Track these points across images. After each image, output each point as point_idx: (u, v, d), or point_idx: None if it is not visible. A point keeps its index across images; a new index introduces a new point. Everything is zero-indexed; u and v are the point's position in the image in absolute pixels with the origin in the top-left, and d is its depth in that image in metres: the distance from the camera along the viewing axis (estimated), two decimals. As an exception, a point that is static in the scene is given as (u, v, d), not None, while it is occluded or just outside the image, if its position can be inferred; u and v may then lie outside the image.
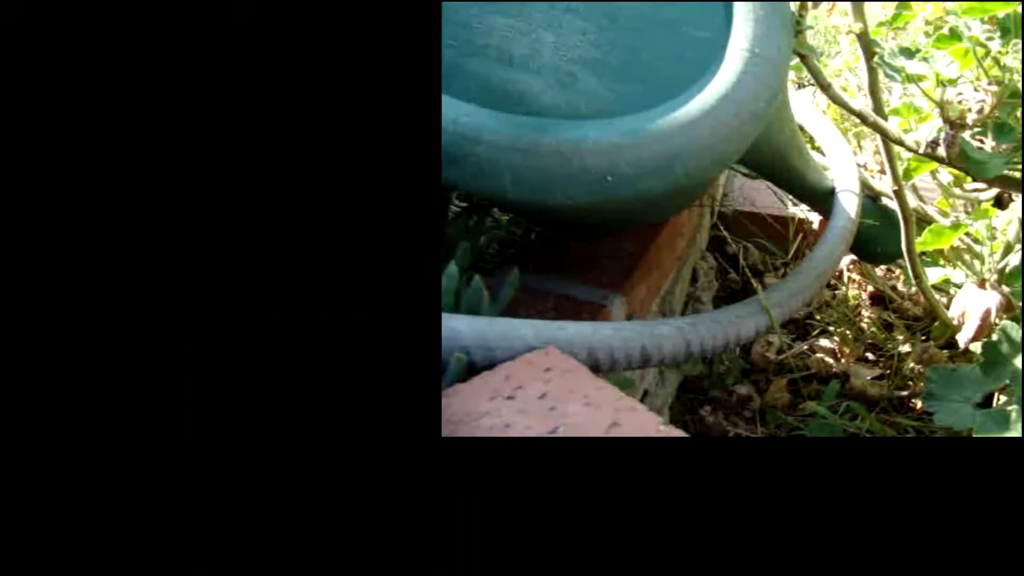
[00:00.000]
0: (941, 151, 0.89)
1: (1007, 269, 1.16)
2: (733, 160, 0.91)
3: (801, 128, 1.46)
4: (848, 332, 1.45)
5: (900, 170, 1.11)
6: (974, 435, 0.88)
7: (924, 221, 1.26)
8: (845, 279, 1.58)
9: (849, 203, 1.19)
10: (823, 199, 1.24)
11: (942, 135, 0.85)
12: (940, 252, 1.33)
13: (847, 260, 1.58)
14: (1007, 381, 0.96)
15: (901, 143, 0.95)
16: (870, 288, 1.57)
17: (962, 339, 1.07)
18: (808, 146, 1.23)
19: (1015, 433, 0.86)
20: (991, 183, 0.91)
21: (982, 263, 1.24)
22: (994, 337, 0.99)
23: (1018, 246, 1.14)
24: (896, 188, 1.12)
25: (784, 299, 0.96)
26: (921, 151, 0.89)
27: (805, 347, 1.43)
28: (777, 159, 1.09)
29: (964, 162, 0.89)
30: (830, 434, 1.15)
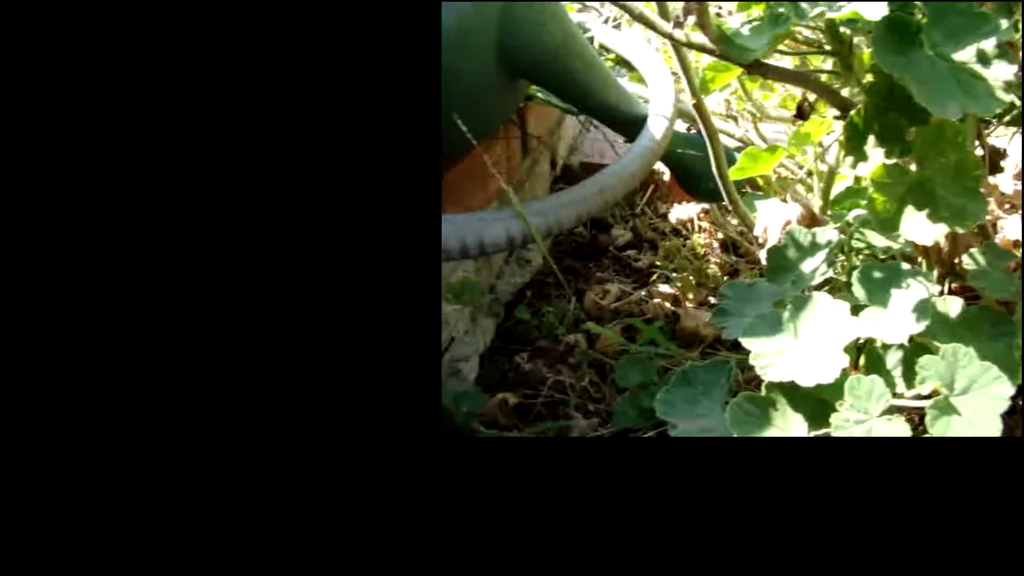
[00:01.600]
0: (690, 33, 0.82)
1: (831, 196, 1.10)
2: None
3: (625, 62, 1.40)
4: (692, 278, 1.37)
5: (697, 82, 1.04)
6: (742, 339, 0.80)
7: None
8: (695, 227, 1.51)
9: (657, 126, 1.12)
10: (637, 127, 1.17)
11: (681, 6, 0.77)
12: (768, 181, 1.26)
13: (698, 208, 1.51)
14: (800, 284, 0.89)
15: (668, 35, 0.87)
16: (721, 236, 1.50)
17: (763, 254, 0.99)
18: (609, 70, 1.16)
19: (784, 336, 0.78)
20: (756, 71, 0.84)
21: (808, 191, 1.18)
22: (780, 242, 0.92)
23: (841, 170, 1.07)
24: (695, 102, 1.05)
25: (550, 208, 0.88)
26: (670, 32, 0.82)
27: (643, 293, 1.35)
28: (557, 65, 1.01)
29: (723, 45, 0.82)
30: (641, 367, 1.06)
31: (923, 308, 0.78)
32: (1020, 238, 1.03)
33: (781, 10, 0.82)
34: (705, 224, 1.51)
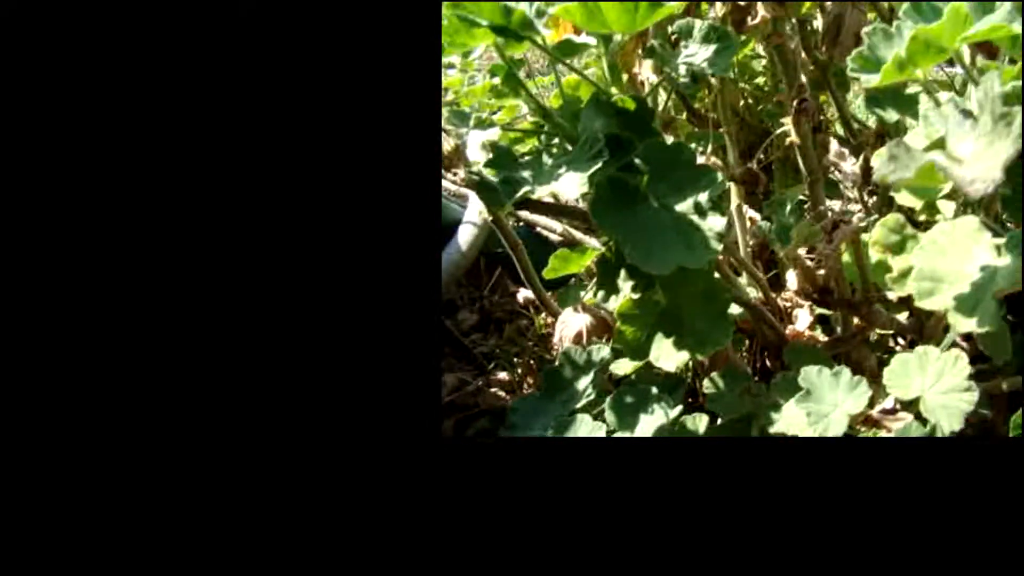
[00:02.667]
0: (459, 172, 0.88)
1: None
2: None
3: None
4: (532, 362, 1.44)
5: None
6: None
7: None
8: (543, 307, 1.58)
9: (464, 235, 1.18)
10: (449, 233, 1.23)
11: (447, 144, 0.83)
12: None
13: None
14: (572, 403, 0.95)
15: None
16: (565, 315, 1.57)
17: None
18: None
19: (580, 433, 0.84)
20: (523, 207, 0.90)
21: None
22: (556, 362, 0.99)
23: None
24: (492, 218, 1.11)
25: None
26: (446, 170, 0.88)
27: (480, 383, 1.41)
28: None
29: (480, 192, 0.88)
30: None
31: (665, 432, 0.84)
32: (806, 329, 1.11)
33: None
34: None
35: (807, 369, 0.74)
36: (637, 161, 0.81)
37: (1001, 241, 0.52)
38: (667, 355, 0.88)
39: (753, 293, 1.10)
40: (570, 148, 0.86)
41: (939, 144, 0.50)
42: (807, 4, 0.94)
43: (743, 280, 1.13)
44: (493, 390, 1.38)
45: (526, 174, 0.77)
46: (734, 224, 1.15)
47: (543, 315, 1.56)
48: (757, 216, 1.16)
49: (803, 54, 0.91)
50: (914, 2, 0.56)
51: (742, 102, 1.41)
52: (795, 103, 0.90)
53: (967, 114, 0.49)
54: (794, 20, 0.91)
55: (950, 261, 0.55)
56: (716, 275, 0.92)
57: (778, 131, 0.94)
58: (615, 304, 0.89)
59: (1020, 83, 0.49)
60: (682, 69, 0.81)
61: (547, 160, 0.79)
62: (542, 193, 0.73)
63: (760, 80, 1.41)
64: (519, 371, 1.42)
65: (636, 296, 0.88)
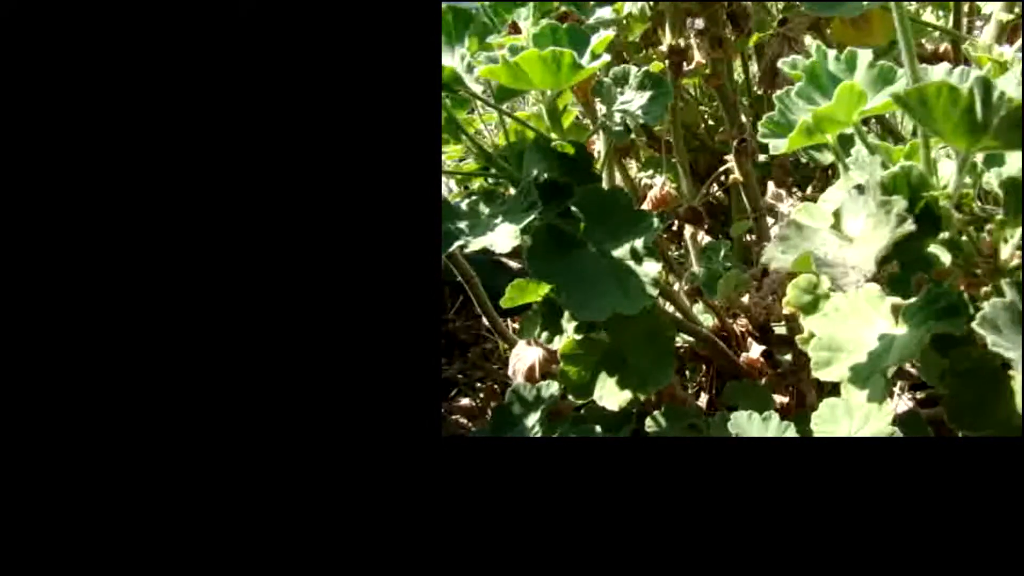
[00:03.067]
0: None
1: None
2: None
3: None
4: (497, 387, 1.45)
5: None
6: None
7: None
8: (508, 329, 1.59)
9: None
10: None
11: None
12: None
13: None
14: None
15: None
16: (529, 338, 1.58)
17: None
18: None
19: None
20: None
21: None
22: (505, 399, 1.00)
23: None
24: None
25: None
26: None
27: (443, 411, 1.42)
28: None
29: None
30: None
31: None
32: (759, 357, 1.12)
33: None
34: (517, 325, 1.59)
35: (737, 414, 0.75)
36: (574, 209, 0.82)
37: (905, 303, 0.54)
38: (610, 394, 0.89)
39: (710, 319, 1.11)
40: (513, 191, 0.87)
41: (838, 216, 0.51)
42: (752, 40, 0.96)
43: (699, 306, 1.14)
44: (455, 417, 1.39)
45: (463, 224, 0.78)
46: (689, 252, 1.17)
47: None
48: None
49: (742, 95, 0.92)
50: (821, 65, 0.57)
51: (703, 125, 1.42)
52: (735, 143, 0.92)
53: (861, 190, 0.50)
54: (734, 62, 0.93)
55: (850, 329, 0.56)
56: (672, 308, 0.93)
57: (722, 169, 0.96)
58: (559, 344, 0.90)
59: (904, 167, 0.51)
60: (617, 117, 0.82)
61: (484, 209, 0.80)
62: (476, 246, 0.74)
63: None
64: (481, 396, 1.43)
65: (579, 337, 0.90)
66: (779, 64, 0.59)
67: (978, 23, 1.08)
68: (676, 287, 1.04)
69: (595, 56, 0.71)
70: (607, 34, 0.73)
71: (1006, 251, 0.56)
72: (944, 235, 0.52)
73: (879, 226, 0.46)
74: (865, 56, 0.57)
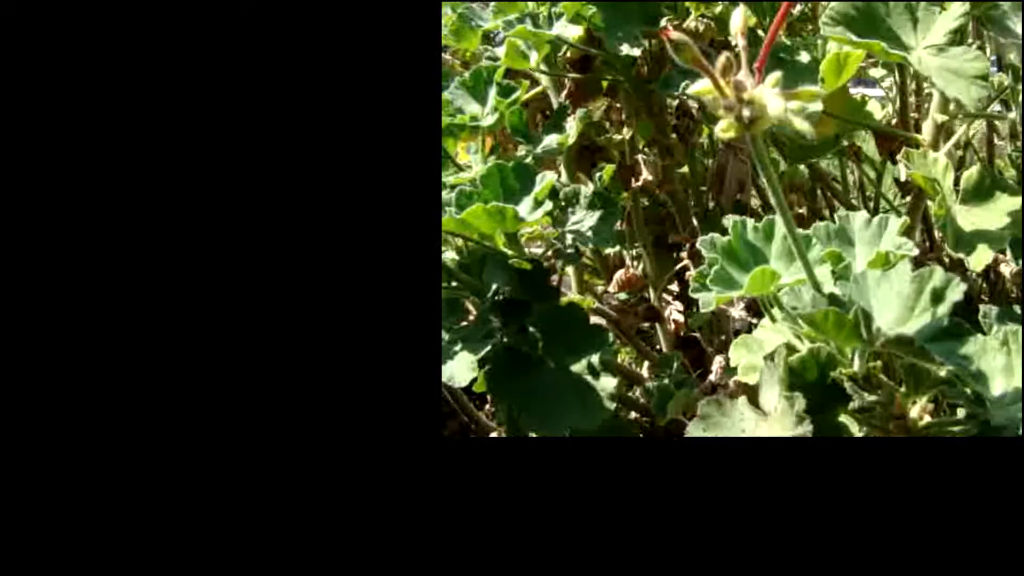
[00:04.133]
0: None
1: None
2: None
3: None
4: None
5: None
6: None
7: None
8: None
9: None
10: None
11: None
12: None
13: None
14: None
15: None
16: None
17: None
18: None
19: None
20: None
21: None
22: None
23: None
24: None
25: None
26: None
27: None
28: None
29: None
30: None
31: None
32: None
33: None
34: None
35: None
36: (532, 329, 0.86)
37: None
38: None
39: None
40: (472, 301, 0.91)
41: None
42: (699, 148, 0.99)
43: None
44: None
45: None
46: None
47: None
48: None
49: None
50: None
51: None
52: (688, 246, 0.95)
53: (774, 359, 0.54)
54: (685, 168, 0.96)
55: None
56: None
57: (678, 266, 1.00)
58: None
59: (812, 349, 0.54)
60: (568, 239, 0.86)
61: (444, 336, 0.84)
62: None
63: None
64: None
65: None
66: (698, 245, 0.63)
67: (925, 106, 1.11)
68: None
69: (538, 203, 0.75)
70: (550, 178, 0.76)
71: (915, 411, 0.59)
72: (853, 405, 0.56)
73: (783, 418, 0.50)
74: (781, 228, 0.61)
